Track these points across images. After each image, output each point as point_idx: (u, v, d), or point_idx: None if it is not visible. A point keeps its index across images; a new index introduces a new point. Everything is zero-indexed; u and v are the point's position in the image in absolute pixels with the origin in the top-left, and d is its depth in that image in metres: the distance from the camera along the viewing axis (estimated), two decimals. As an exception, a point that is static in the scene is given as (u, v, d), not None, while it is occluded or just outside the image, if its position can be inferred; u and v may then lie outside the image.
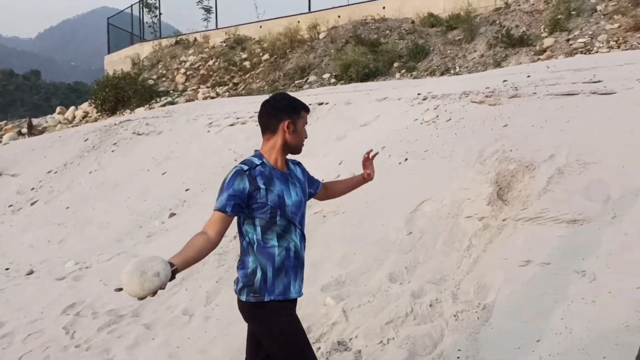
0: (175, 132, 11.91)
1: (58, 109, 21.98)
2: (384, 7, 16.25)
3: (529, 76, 7.77)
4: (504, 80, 7.80)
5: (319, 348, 3.99)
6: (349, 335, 4.10)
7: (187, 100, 16.36)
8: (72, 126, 18.51)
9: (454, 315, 3.95)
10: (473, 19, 13.73)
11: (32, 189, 11.74)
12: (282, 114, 2.67)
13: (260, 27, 18.97)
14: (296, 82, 14.51)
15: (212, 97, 16.09)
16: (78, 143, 13.76)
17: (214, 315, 5.02)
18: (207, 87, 17.20)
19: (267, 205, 2.57)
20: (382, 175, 6.36)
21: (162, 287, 2.27)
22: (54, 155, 13.41)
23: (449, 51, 13.14)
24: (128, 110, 17.22)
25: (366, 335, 4.03)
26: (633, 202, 4.40)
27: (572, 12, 11.89)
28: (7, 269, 7.77)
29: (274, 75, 15.67)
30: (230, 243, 6.13)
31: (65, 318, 5.63)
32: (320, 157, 7.61)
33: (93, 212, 9.48)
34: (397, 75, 12.84)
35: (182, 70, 18.90)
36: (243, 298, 2.64)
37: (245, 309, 2.66)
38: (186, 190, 8.87)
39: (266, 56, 16.86)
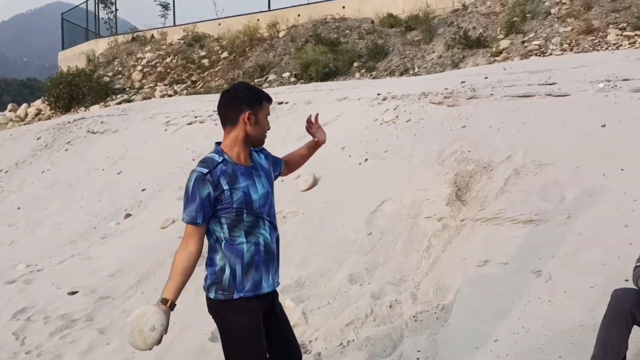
0: (131, 130, 11.65)
1: (10, 106, 21.22)
2: (343, 7, 16.28)
3: (486, 77, 7.88)
4: (462, 82, 7.89)
5: (279, 351, 3.94)
6: (309, 338, 4.07)
7: (144, 98, 16.05)
8: (24, 124, 17.92)
9: (414, 316, 3.96)
10: (431, 20, 13.89)
11: (-19, 189, 11.31)
12: (243, 105, 2.53)
13: (219, 24, 18.74)
14: (256, 80, 14.39)
15: (170, 95, 15.84)
16: (30, 141, 13.33)
17: (171, 319, 4.89)
18: (165, 85, 16.90)
19: (232, 206, 2.49)
20: (342, 175, 6.36)
21: (165, 332, 2.43)
22: (5, 154, 12.96)
23: (408, 51, 13.24)
24: (83, 108, 16.79)
25: (326, 338, 4.00)
26: (586, 202, 4.50)
27: (527, 15, 12.14)
28: (-47, 273, 7.45)
29: (233, 73, 15.52)
30: (188, 245, 6.01)
31: (16, 323, 5.42)
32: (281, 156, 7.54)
33: (45, 213, 9.20)
34: (357, 75, 12.88)
35: (139, 68, 18.53)
36: (212, 295, 2.58)
37: (213, 306, 2.61)
38: (142, 190, 8.68)
39: (225, 54, 16.68)
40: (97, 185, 9.61)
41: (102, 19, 24.02)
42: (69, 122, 13.76)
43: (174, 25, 20.98)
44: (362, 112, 8.14)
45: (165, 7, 21.78)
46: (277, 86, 13.28)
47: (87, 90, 17.27)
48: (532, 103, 6.53)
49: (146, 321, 2.37)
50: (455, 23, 13.29)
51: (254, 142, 2.62)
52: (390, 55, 13.39)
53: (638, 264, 2.76)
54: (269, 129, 2.67)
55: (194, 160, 8.96)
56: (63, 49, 24.30)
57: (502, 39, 11.86)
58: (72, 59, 22.14)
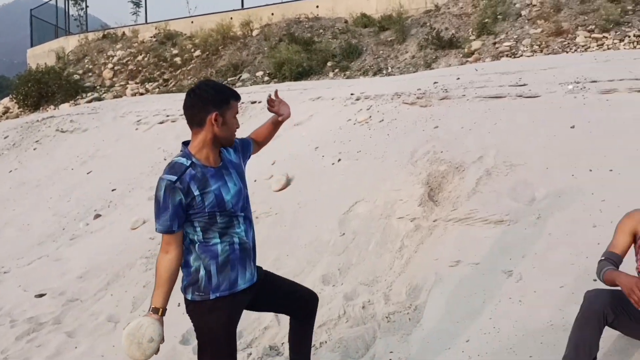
0: (102, 129, 11.48)
1: (-24, 104, 20.75)
2: (317, 6, 16.27)
3: (458, 78, 7.94)
4: (435, 82, 7.94)
5: (250, 354, 3.91)
6: (281, 340, 4.04)
7: (115, 97, 15.82)
8: (-9, 122, 17.52)
9: (386, 317, 3.96)
10: (404, 20, 13.96)
11: (-55, 189, 11.01)
12: (209, 106, 2.46)
13: (192, 22, 18.58)
14: (229, 79, 14.30)
15: (141, 94, 15.64)
16: (-3, 140, 13.05)
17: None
18: (136, 83, 16.68)
19: (204, 210, 2.46)
20: (315, 176, 6.35)
21: (162, 342, 2.46)
22: (-30, 153, 12.65)
23: (381, 51, 13.29)
24: (52, 106, 16.48)
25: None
26: (556, 203, 4.56)
27: (499, 17, 12.28)
28: None
29: (206, 72, 15.39)
30: (158, 246, 5.90)
31: (-20, 327, 5.29)
32: (252, 157, 7.49)
33: (13, 214, 9.00)
34: (331, 74, 12.88)
35: (110, 65, 18.25)
36: (189, 297, 2.57)
37: (189, 306, 2.60)
38: (112, 190, 8.55)
39: (198, 52, 16.53)
40: (66, 185, 9.44)
41: (72, 15, 23.60)
42: (38, 120, 13.50)
43: (146, 22, 20.71)
44: (335, 112, 8.14)
45: (136, 4, 21.53)
46: (251, 85, 13.21)
47: (57, 88, 16.96)
48: (503, 104, 6.60)
49: (143, 333, 2.38)
50: (428, 24, 13.38)
51: (223, 143, 2.57)
52: (364, 55, 13.42)
53: (602, 257, 2.81)
54: (238, 128, 2.63)
55: (165, 159, 8.85)
56: (32, 46, 23.79)
57: (474, 40, 11.97)
58: (41, 56, 21.70)
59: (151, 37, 18.98)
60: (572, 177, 4.82)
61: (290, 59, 13.04)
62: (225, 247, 2.54)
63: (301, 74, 12.94)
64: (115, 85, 17.19)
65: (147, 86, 16.21)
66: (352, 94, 8.47)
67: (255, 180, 6.38)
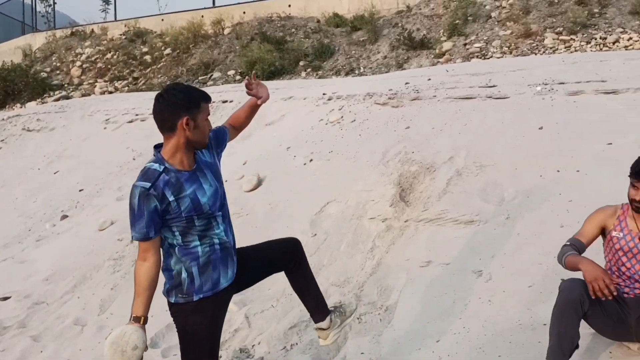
0: (69, 128, 11.26)
1: (-62, 102, 20.17)
2: (289, 5, 16.22)
3: (429, 79, 7.99)
4: (406, 83, 7.98)
5: (221, 357, 3.86)
6: (252, 342, 4.02)
7: (83, 95, 15.54)
8: (-47, 120, 17.05)
9: (357, 318, 3.96)
10: (376, 20, 14.00)
11: None
12: (179, 110, 2.40)
13: (162, 20, 18.35)
14: (200, 78, 14.17)
15: (111, 92, 15.38)
16: (-40, 139, 12.69)
17: (108, 324, 4.76)
18: (105, 82, 16.41)
19: (181, 215, 2.43)
20: (286, 176, 6.32)
21: (145, 349, 2.42)
22: None
23: (353, 51, 13.31)
24: (18, 105, 16.10)
25: (269, 341, 3.96)
26: (524, 203, 4.62)
27: (469, 18, 12.40)
28: None
29: (177, 70, 15.22)
30: (127, 248, 5.84)
31: (-58, 332, 5.14)
32: (223, 157, 7.42)
33: (-24, 215, 8.75)
34: (303, 74, 12.85)
35: (78, 63, 17.91)
36: (172, 300, 2.56)
37: (173, 309, 2.59)
38: (80, 190, 8.39)
39: (168, 50, 16.32)
40: (33, 186, 9.23)
41: (40, 12, 23.09)
42: (3, 119, 13.15)
43: (115, 20, 20.39)
44: (307, 112, 8.12)
45: (106, 1, 21.15)
46: (222, 84, 13.11)
47: (23, 86, 16.59)
48: (473, 105, 6.66)
49: (127, 341, 2.35)
50: (400, 24, 13.45)
51: (196, 146, 2.53)
52: (336, 55, 13.43)
53: (567, 242, 2.87)
54: (210, 130, 2.59)
55: (134, 159, 8.73)
56: (-3, 42, 23.25)
57: (445, 41, 12.07)
58: (7, 53, 21.19)
59: (121, 34, 18.70)
60: (540, 178, 4.89)
61: (262, 58, 12.98)
62: (205, 249, 2.52)
63: (273, 74, 12.89)
64: (84, 83, 16.89)
65: (116, 84, 15.96)
66: (324, 94, 8.46)
67: (226, 181, 6.29)
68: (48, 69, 18.45)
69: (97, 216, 7.11)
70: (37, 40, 21.08)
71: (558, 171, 4.92)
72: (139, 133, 9.80)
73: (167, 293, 2.58)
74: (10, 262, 6.62)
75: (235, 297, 4.47)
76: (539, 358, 3.06)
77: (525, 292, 3.66)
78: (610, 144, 5.18)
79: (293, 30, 15.16)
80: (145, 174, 2.40)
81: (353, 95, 8.07)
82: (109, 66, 17.16)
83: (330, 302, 4.17)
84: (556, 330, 2.72)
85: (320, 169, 6.27)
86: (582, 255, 2.79)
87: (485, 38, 11.66)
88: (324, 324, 3.07)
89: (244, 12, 16.63)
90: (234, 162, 7.18)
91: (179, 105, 2.41)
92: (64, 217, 7.67)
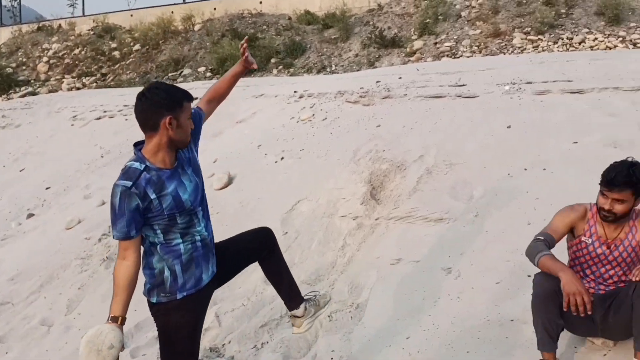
0: (36, 125, 11.04)
1: None
2: (260, 2, 16.14)
3: (400, 78, 8.04)
4: (377, 81, 8.02)
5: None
6: (222, 341, 4.00)
7: (50, 91, 15.24)
8: None
9: (328, 316, 3.97)
10: (348, 18, 14.03)
11: None
12: (162, 110, 2.38)
13: (131, 15, 18.09)
14: (170, 74, 14.01)
15: (78, 88, 15.13)
16: None
17: (76, 325, 4.69)
18: (73, 78, 16.12)
19: (163, 212, 2.42)
20: (257, 174, 6.30)
21: (122, 349, 2.38)
22: None
23: (325, 49, 13.32)
24: (-18, 100, 15.72)
25: (240, 340, 3.95)
26: (493, 201, 4.69)
27: (440, 17, 12.51)
28: None
29: (146, 66, 15.03)
30: (95, 247, 5.75)
31: None
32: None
33: (-63, 214, 8.52)
34: (274, 71, 12.82)
35: (45, 59, 17.56)
36: (154, 300, 2.54)
37: (154, 308, 2.57)
38: (47, 188, 8.23)
39: (137, 46, 16.11)
40: (-3, 183, 9.03)
41: (5, 6, 22.53)
42: (-34, 115, 12.84)
43: (83, 15, 20.03)
44: (278, 110, 8.10)
45: (74, -5, 20.77)
46: (193, 81, 12.99)
47: (-13, 82, 16.21)
48: (443, 104, 6.73)
49: (103, 340, 2.31)
50: (371, 22, 13.50)
51: (178, 145, 2.51)
52: (308, 52, 13.42)
53: (539, 236, 2.85)
54: (192, 129, 2.57)
55: (102, 157, 8.59)
56: (-40, 36, 22.63)
57: (416, 39, 12.16)
58: (-30, 47, 20.68)
59: (89, 30, 18.39)
60: (508, 176, 4.97)
61: (233, 54, 12.88)
62: (187, 246, 2.53)
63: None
64: (51, 79, 16.56)
65: (84, 81, 15.69)
66: (295, 92, 8.45)
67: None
68: (14, 65, 18.05)
69: (64, 214, 6.99)
70: (2, 35, 20.62)
71: (525, 169, 5.00)
72: (107, 130, 9.66)
73: (148, 293, 2.56)
74: (-26, 263, 6.47)
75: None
76: (507, 353, 3.13)
77: (493, 288, 3.71)
78: (576, 142, 5.29)
79: (264, 27, 15.10)
80: (127, 173, 2.39)
81: (324, 93, 8.07)
82: (77, 62, 16.86)
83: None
84: (540, 322, 2.78)
85: (291, 167, 6.27)
86: (552, 253, 2.78)
87: (455, 37, 11.78)
88: (298, 312, 3.11)
89: (215, 9, 16.50)
90: (205, 159, 7.10)
91: (161, 105, 2.39)
92: (30, 215, 7.52)
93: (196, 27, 16.00)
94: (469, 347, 3.27)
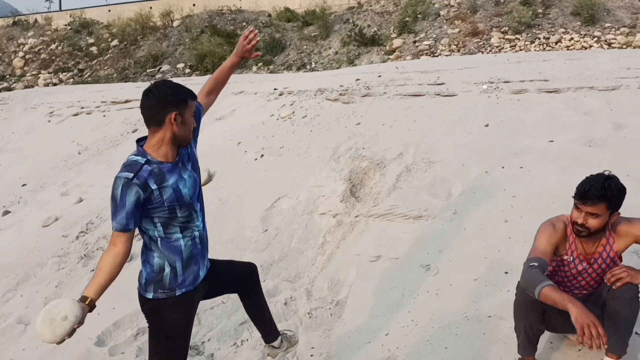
0: (11, 121, 10.87)
1: None
2: (240, -1, 16.11)
3: (379, 76, 8.08)
4: (357, 79, 8.05)
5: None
6: (202, 339, 3.99)
7: (26, 87, 15.02)
8: None
9: (308, 313, 3.99)
10: (328, 16, 14.05)
11: None
12: (169, 106, 2.45)
13: (109, 11, 17.92)
14: (148, 70, 13.90)
15: (55, 84, 14.93)
16: None
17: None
18: (49, 73, 15.90)
19: (164, 205, 2.44)
20: (237, 171, 6.29)
21: (78, 325, 2.30)
22: None
23: (305, 47, 13.32)
24: (-46, 95, 15.42)
25: (219, 338, 3.94)
26: (471, 198, 4.74)
27: (419, 16, 12.60)
28: None
29: (124, 62, 14.89)
30: (72, 244, 5.69)
31: None
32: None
33: None
34: (254, 68, 12.79)
35: (21, 54, 17.30)
36: (150, 295, 2.54)
37: (147, 304, 2.57)
38: (23, 185, 8.11)
39: (115, 42, 15.95)
40: (-29, 180, 8.87)
41: (-22, -1, 22.18)
42: (-62, 110, 12.59)
43: (60, 10, 19.80)
44: (258, 107, 8.09)
45: (50, -10, 20.51)
46: (171, 77, 12.89)
47: (-40, 77, 15.92)
48: (422, 102, 6.78)
49: (59, 311, 2.26)
50: (351, 20, 13.54)
51: (181, 142, 2.55)
52: (288, 49, 13.41)
53: (533, 263, 2.70)
54: (194, 127, 2.62)
55: (79, 153, 8.50)
56: None
57: (395, 37, 12.23)
58: (-59, 41, 20.24)
59: (65, 25, 18.15)
60: (486, 174, 5.03)
61: (213, 51, 12.85)
62: (187, 242, 2.56)
63: (224, 67, 12.76)
64: (27, 74, 16.32)
65: (60, 76, 15.49)
66: (275, 89, 8.44)
67: None
68: (-13, 59, 17.74)
69: (40, 212, 6.89)
70: (-25, 29, 20.20)
71: (503, 167, 5.07)
72: (84, 126, 9.55)
73: (144, 288, 2.56)
74: (-52, 261, 6.35)
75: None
76: (484, 349, 3.17)
77: (470, 285, 3.76)
78: (552, 141, 5.37)
79: (244, 23, 15.06)
80: (128, 166, 2.42)
81: (304, 90, 8.08)
82: (54, 57, 16.64)
83: (281, 297, 4.22)
84: (522, 328, 2.81)
85: (271, 165, 6.27)
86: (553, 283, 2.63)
87: (434, 36, 11.87)
88: (276, 343, 3.27)
89: (194, 5, 16.41)
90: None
91: (168, 101, 2.45)
92: (6, 212, 7.40)
93: (175, 23, 15.90)
94: (448, 343, 3.31)
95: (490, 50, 10.92)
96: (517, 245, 3.98)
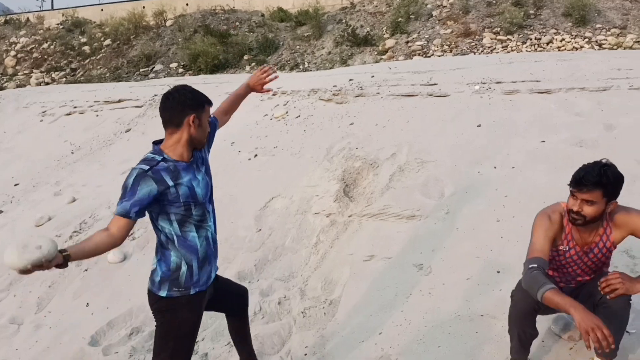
0: (4, 121, 10.81)
1: None
2: (233, -2, 16.11)
3: (373, 76, 8.11)
4: (350, 80, 8.07)
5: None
6: (196, 338, 3.99)
7: (18, 86, 14.96)
8: None
9: (302, 312, 4.01)
10: (321, 16, 14.07)
11: None
12: (187, 109, 2.57)
13: (102, 10, 17.88)
14: (141, 70, 13.87)
15: (47, 83, 14.87)
16: None
17: (46, 323, 4.62)
18: (41, 72, 15.83)
19: (180, 200, 2.51)
20: (231, 171, 6.30)
21: (45, 265, 2.21)
22: None
23: (298, 47, 13.33)
24: (-55, 94, 15.33)
25: (213, 338, 3.95)
26: (463, 198, 4.78)
27: (411, 16, 12.64)
28: None
29: (117, 62, 14.85)
30: (65, 244, 5.68)
31: None
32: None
33: None
34: (247, 68, 12.79)
35: (13, 53, 17.21)
36: (163, 294, 2.58)
37: (161, 302, 2.60)
38: (15, 185, 8.08)
39: (108, 41, 15.91)
40: (-37, 180, 8.82)
41: (-31, -2, 22.05)
42: None
43: (52, 9, 19.73)
44: (252, 107, 8.10)
45: (42, -12, 20.43)
46: (164, 77, 12.88)
47: (-49, 75, 15.82)
48: (415, 102, 6.82)
49: (36, 240, 2.22)
50: (344, 20, 13.56)
51: (196, 145, 2.65)
52: (281, 49, 13.42)
53: (533, 265, 2.65)
54: (209, 131, 2.72)
55: (72, 153, 8.48)
56: None
57: (388, 38, 12.27)
58: None
59: (58, 24, 18.08)
60: (478, 174, 5.07)
61: (206, 51, 12.84)
62: (202, 242, 2.64)
63: (217, 67, 12.77)
64: (19, 73, 16.24)
65: (53, 75, 15.43)
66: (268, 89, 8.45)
67: None
68: (-21, 58, 17.65)
69: (33, 212, 6.87)
70: (-34, 28, 20.09)
71: (495, 167, 5.11)
72: (77, 126, 9.52)
73: (158, 286, 2.59)
74: (-61, 261, 6.32)
75: (179, 294, 4.45)
76: (477, 348, 3.20)
77: (463, 284, 3.79)
78: (544, 141, 5.42)
79: (237, 23, 15.05)
80: (145, 160, 2.51)
81: (298, 90, 8.10)
82: (46, 56, 16.57)
83: (275, 297, 4.24)
84: (516, 333, 2.85)
85: (265, 165, 6.28)
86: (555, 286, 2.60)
87: (426, 36, 11.92)
88: None
89: (187, 4, 16.39)
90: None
91: (187, 104, 2.58)
92: (-2, 212, 7.38)
93: (168, 23, 15.88)
94: (440, 342, 3.34)
95: (482, 51, 10.98)
96: (509, 244, 4.02)
